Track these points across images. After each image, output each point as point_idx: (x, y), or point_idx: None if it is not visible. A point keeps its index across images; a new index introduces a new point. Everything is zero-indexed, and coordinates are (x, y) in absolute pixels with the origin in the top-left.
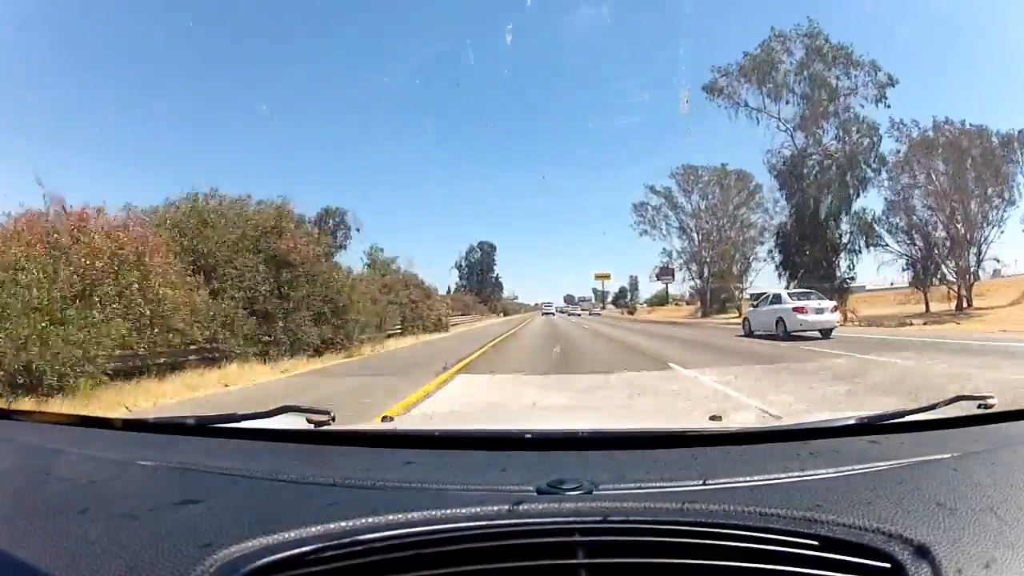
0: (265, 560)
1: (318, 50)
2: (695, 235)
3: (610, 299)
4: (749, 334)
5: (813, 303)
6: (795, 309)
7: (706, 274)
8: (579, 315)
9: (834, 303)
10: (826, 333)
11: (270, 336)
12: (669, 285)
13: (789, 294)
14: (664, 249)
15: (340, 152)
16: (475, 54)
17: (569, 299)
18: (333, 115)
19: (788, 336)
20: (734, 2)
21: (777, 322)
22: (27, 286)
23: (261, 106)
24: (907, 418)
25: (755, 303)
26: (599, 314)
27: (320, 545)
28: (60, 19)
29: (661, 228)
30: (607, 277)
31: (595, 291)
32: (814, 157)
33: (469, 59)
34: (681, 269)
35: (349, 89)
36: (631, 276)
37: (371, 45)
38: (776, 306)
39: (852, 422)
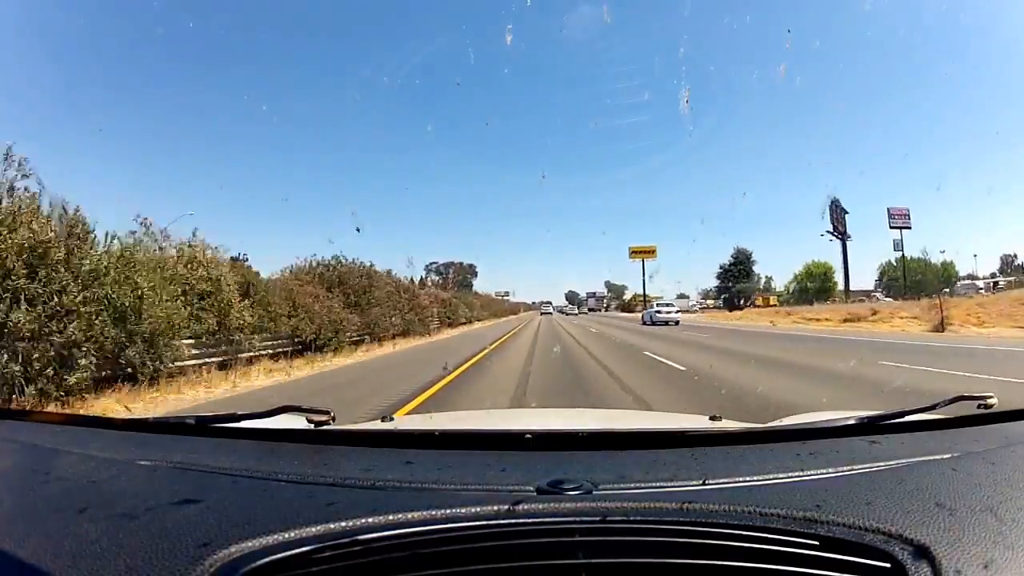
0: (265, 560)
1: (317, 50)
2: None
3: (657, 293)
4: (643, 323)
5: (666, 308)
6: (655, 310)
7: None
8: (575, 314)
9: (677, 308)
10: (675, 323)
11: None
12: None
13: (656, 303)
14: None
15: (339, 152)
16: (475, 54)
17: (571, 297)
18: (332, 114)
19: (654, 324)
20: (733, 2)
21: (651, 316)
22: None
23: (260, 106)
24: (907, 418)
25: (646, 308)
26: (587, 313)
27: (320, 545)
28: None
29: None
30: (650, 253)
31: (607, 283)
32: None
33: (469, 59)
34: None
35: (349, 89)
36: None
37: (371, 45)
38: (651, 309)
39: (852, 422)
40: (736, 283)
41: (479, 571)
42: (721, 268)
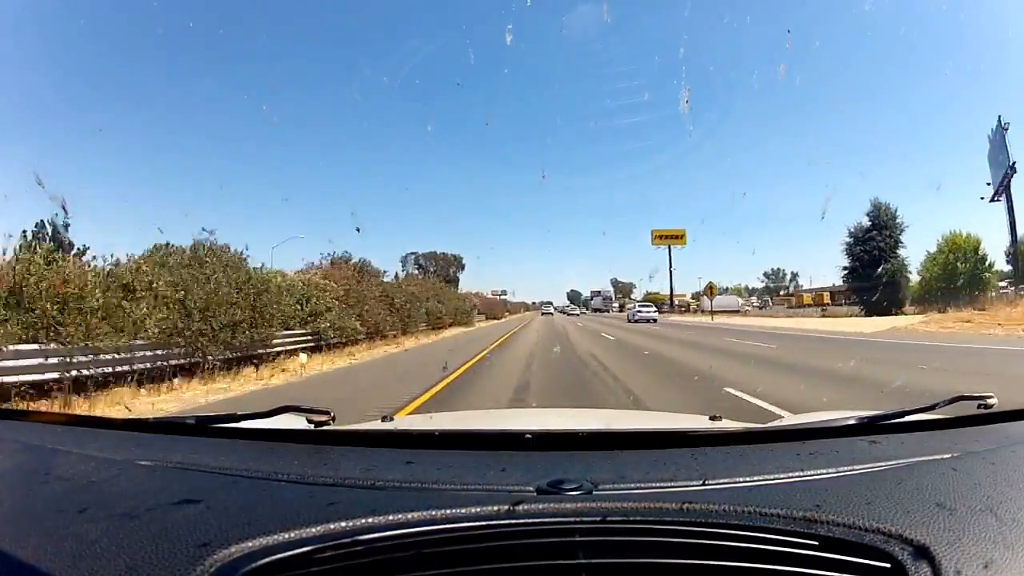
0: (265, 560)
1: (318, 49)
2: None
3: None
4: (627, 320)
5: (645, 308)
6: (637, 310)
7: None
8: (576, 314)
9: (655, 308)
10: (653, 320)
11: None
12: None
13: (638, 303)
14: None
15: (339, 152)
16: (475, 54)
17: (573, 296)
18: (332, 114)
19: (635, 321)
20: (733, 2)
21: (633, 315)
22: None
23: (261, 106)
24: (907, 418)
25: (630, 307)
26: (587, 313)
27: (320, 545)
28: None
29: None
30: (678, 238)
31: (613, 281)
32: None
33: (469, 59)
34: None
35: (349, 88)
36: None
37: (371, 45)
38: (633, 308)
39: (852, 422)
40: (881, 263)
41: (480, 571)
42: (851, 236)
